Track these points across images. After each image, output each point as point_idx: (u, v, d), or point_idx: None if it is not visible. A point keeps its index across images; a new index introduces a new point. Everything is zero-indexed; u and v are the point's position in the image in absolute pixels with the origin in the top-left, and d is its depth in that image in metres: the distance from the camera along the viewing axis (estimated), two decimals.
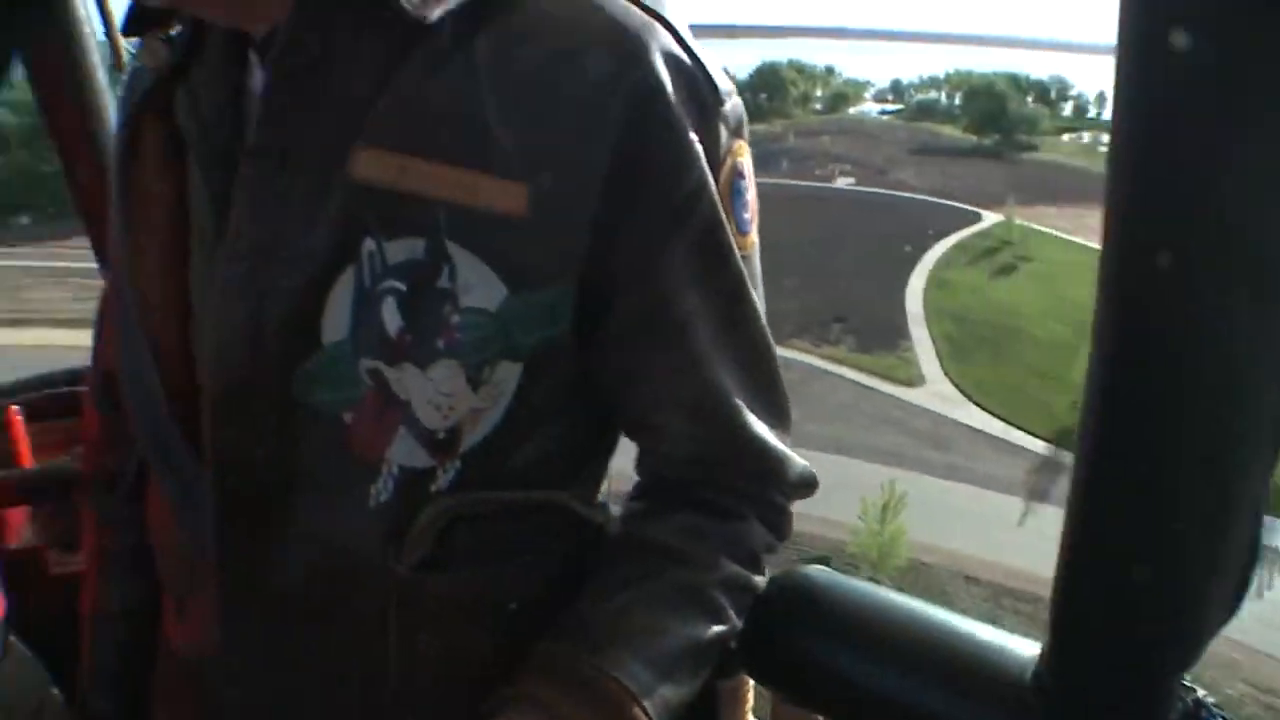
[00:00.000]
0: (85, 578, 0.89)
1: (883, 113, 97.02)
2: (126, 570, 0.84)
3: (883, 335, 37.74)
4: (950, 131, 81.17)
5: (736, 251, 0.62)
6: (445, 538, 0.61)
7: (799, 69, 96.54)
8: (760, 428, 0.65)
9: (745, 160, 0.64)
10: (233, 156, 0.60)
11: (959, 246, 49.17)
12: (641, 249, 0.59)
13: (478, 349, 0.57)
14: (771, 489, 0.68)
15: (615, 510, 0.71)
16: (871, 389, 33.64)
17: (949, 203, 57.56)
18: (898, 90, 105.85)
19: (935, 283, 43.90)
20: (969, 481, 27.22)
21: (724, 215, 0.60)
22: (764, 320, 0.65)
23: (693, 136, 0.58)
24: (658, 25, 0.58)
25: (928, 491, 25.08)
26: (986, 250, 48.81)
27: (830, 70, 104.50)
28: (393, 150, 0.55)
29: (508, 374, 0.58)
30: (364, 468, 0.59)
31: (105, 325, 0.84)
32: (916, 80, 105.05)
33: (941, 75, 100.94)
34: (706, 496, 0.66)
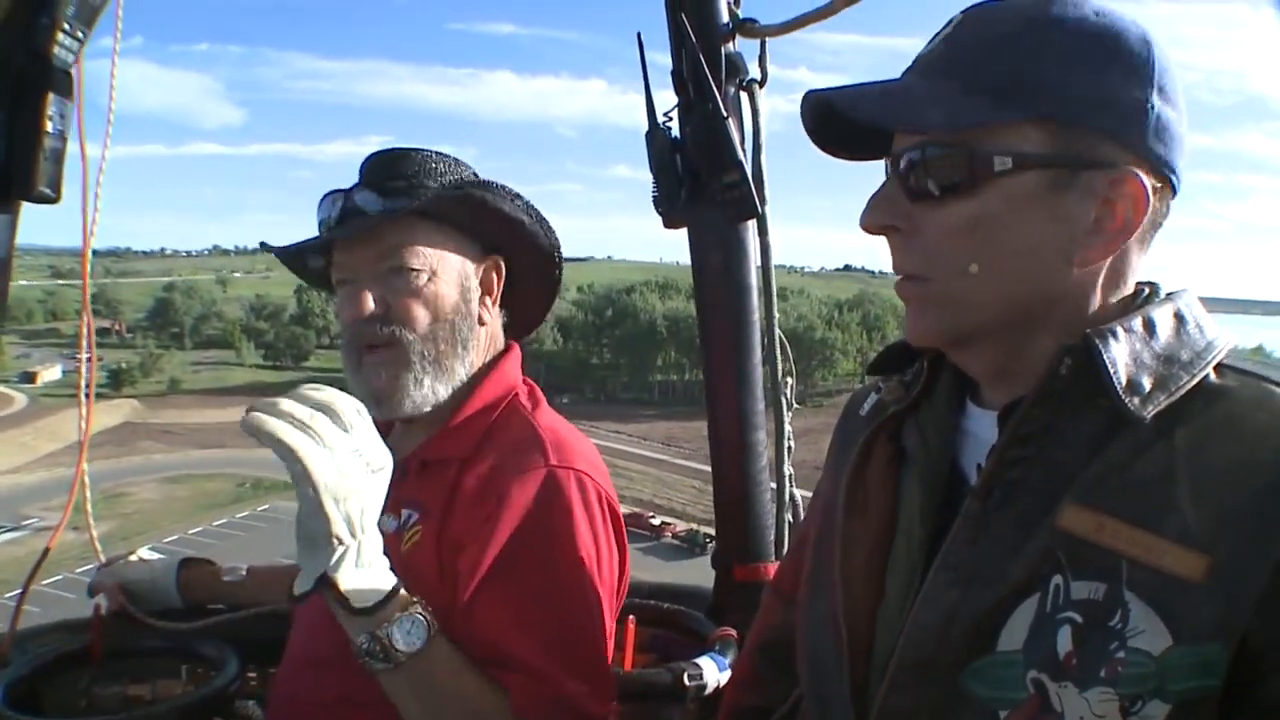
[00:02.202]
0: None
1: None
2: None
3: None
4: None
5: None
6: None
7: None
8: None
9: None
10: (946, 481, 0.80)
11: None
12: None
13: (1134, 684, 0.65)
14: None
15: None
16: None
17: None
18: None
19: None
20: None
21: None
22: None
23: None
24: None
25: None
26: None
27: None
28: (1093, 509, 0.68)
29: (1155, 711, 0.65)
30: None
31: (772, 605, 1.11)
32: None
33: None
34: None
